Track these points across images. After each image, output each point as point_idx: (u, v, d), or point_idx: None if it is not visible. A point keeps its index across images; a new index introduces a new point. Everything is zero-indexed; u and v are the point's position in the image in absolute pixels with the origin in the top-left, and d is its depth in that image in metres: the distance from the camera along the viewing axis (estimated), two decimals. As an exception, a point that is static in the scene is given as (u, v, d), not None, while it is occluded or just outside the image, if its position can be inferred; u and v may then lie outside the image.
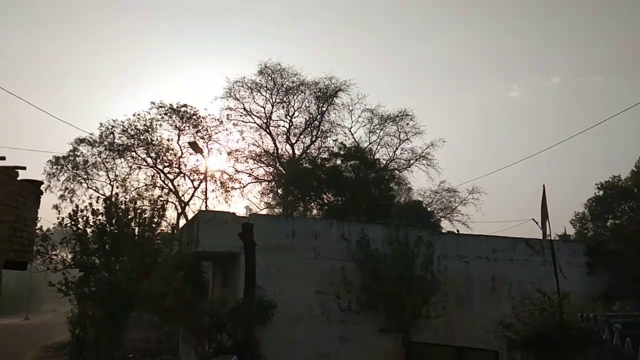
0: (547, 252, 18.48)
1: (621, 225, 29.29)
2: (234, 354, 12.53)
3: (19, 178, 7.95)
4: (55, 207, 31.84)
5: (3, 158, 7.90)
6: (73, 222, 15.16)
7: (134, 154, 32.30)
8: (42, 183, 8.87)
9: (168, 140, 32.45)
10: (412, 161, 32.96)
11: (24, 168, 7.76)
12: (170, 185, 33.32)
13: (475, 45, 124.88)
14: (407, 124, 32.80)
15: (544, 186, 13.69)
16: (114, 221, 15.30)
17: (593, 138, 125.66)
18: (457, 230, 28.72)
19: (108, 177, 32.93)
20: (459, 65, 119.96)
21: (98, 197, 16.96)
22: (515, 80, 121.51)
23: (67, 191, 32.36)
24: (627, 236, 25.65)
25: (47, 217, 16.77)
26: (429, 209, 31.62)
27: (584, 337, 10.89)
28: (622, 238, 25.17)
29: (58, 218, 15.92)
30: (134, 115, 31.96)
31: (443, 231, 26.80)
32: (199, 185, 32.42)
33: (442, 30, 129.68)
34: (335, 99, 32.72)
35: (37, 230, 15.35)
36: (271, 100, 32.84)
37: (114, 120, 31.90)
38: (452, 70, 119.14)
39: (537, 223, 14.29)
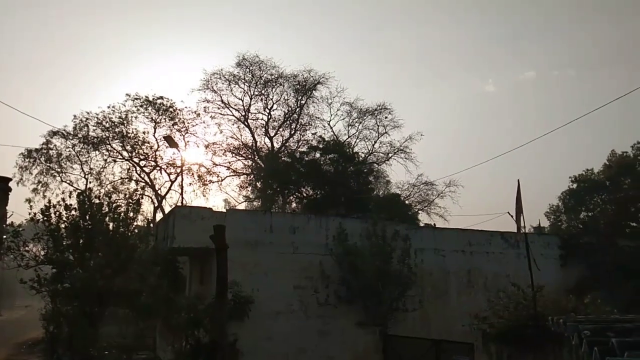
0: (522, 245, 18.74)
1: (594, 218, 29.90)
2: (211, 350, 12.46)
3: (-15, 175, 7.71)
4: (28, 200, 31.08)
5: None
6: (45, 218, 14.78)
7: (109, 146, 31.78)
8: (10, 180, 8.65)
9: (144, 132, 32.02)
10: (390, 154, 33.14)
11: (-10, 165, 7.51)
12: (146, 178, 32.92)
13: (452, 39, 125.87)
14: (386, 117, 32.94)
15: (518, 181, 13.82)
16: (87, 216, 14.97)
17: (568, 132, 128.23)
18: (434, 224, 29.01)
19: (82, 170, 32.37)
20: (436, 58, 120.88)
21: (71, 192, 16.51)
22: (490, 74, 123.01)
23: (41, 185, 31.72)
24: (600, 229, 26.24)
25: (20, 211, 16.29)
26: (406, 202, 31.84)
27: (555, 331, 11.07)
28: (594, 231, 25.71)
29: (30, 213, 15.48)
30: (108, 107, 31.44)
31: (420, 224, 27.05)
32: (175, 178, 32.11)
33: (419, 24, 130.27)
34: (314, 92, 32.65)
35: (8, 226, 14.95)
36: (249, 93, 32.61)
37: (88, 113, 31.36)
38: (429, 64, 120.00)
39: (512, 217, 14.47)
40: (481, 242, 20.27)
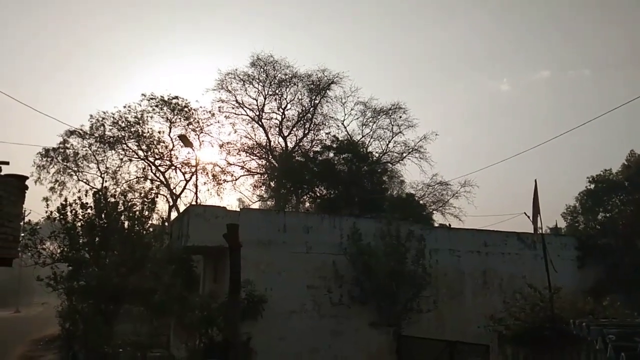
0: (538, 246, 18.49)
1: (612, 219, 29.37)
2: (224, 349, 12.47)
3: (2, 173, 7.79)
4: (45, 199, 31.52)
5: (-15, 153, 7.72)
6: (61, 216, 14.94)
7: (124, 146, 32.04)
8: (26, 178, 8.71)
9: (159, 132, 32.23)
10: (404, 154, 32.93)
11: (7, 163, 7.61)
12: (161, 177, 33.14)
13: (466, 39, 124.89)
14: (400, 117, 32.73)
15: (535, 181, 13.63)
16: (103, 215, 15.10)
17: (585, 132, 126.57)
18: (449, 224, 28.74)
19: (99, 169, 32.68)
20: (450, 58, 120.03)
21: (87, 190, 16.68)
22: (505, 74, 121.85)
23: (58, 183, 32.09)
24: (618, 230, 25.76)
25: (38, 209, 16.55)
26: (421, 202, 31.62)
27: (574, 333, 10.88)
28: (612, 232, 25.26)
29: (46, 211, 15.67)
30: (124, 107, 31.69)
31: (435, 224, 26.82)
32: (190, 178, 32.25)
33: (433, 23, 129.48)
34: (328, 91, 32.56)
35: (25, 224, 15.15)
36: (263, 93, 32.63)
37: (104, 112, 31.64)
38: (443, 63, 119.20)
39: (528, 217, 14.27)
40: (497, 242, 20.03)
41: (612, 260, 20.26)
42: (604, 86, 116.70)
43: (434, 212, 32.90)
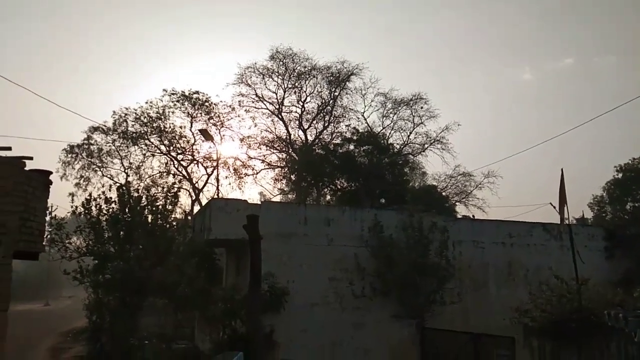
0: (564, 236, 18.14)
1: (640, 209, 28.67)
2: (248, 340, 12.53)
3: (27, 168, 7.89)
4: (71, 195, 32.12)
5: (9, 148, 7.83)
6: (86, 211, 15.16)
7: (147, 141, 32.44)
8: (51, 173, 8.80)
9: (181, 127, 32.52)
10: (426, 145, 32.62)
11: (30, 158, 7.70)
12: (183, 172, 33.46)
13: (486, 27, 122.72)
14: (421, 107, 32.42)
15: (562, 170, 13.37)
16: (127, 209, 15.27)
17: (611, 120, 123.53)
18: (473, 216, 28.42)
19: (122, 164, 33.18)
20: (471, 47, 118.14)
21: (111, 185, 16.89)
22: (527, 62, 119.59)
23: (83, 179, 32.69)
24: (647, 220, 25.10)
25: (65, 205, 16.88)
26: (443, 193, 31.33)
27: (603, 325, 10.64)
28: (641, 222, 24.63)
29: (72, 206, 15.91)
30: (146, 102, 32.07)
31: (458, 216, 26.53)
32: (212, 172, 32.48)
33: (453, 11, 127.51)
34: (347, 83, 32.42)
35: (52, 219, 15.42)
36: (283, 86, 32.65)
37: (126, 108, 32.05)
38: (464, 52, 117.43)
39: (554, 207, 13.98)
40: (522, 233, 19.67)
41: (641, 251, 19.73)
42: (630, 73, 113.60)
43: (457, 203, 32.59)
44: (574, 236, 13.62)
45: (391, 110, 32.89)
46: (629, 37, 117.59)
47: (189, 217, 25.51)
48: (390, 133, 32.77)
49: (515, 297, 15.97)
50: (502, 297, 17.97)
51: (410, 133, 32.88)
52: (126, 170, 32.98)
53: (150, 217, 15.62)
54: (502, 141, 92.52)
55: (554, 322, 11.98)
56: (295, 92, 32.86)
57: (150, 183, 31.28)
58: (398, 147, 31.74)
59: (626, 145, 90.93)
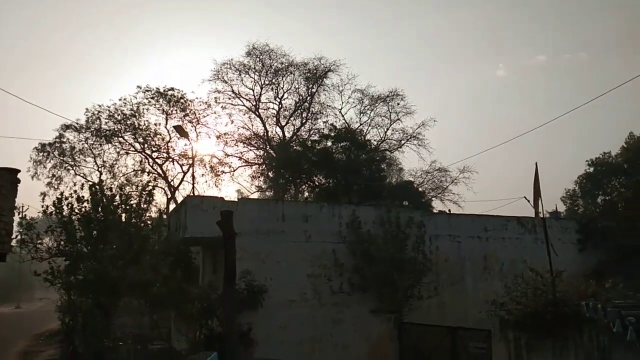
0: (539, 230, 18.43)
1: (611, 202, 29.32)
2: (224, 341, 12.39)
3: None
4: (43, 194, 31.32)
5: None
6: (57, 210, 14.78)
7: (121, 139, 31.76)
8: (18, 171, 8.56)
9: (155, 124, 31.95)
10: (403, 141, 32.73)
11: (-5, 156, 7.42)
12: (159, 170, 32.91)
13: (460, 24, 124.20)
14: (398, 104, 32.48)
15: (536, 164, 13.57)
16: (99, 208, 14.94)
17: (583, 115, 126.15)
18: (449, 210, 28.62)
19: (96, 163, 32.43)
20: (445, 44, 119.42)
21: (83, 184, 16.50)
22: (501, 59, 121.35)
23: (55, 178, 31.81)
24: (618, 212, 25.69)
25: (37, 205, 16.38)
26: (420, 189, 31.48)
27: (577, 316, 10.82)
28: (612, 214, 25.20)
29: (43, 206, 15.49)
30: (120, 99, 31.40)
31: (434, 211, 26.71)
32: (188, 169, 32.01)
33: (428, 8, 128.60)
34: (324, 79, 32.28)
35: (22, 219, 15.00)
36: (260, 82, 32.35)
37: (99, 106, 31.30)
38: (439, 49, 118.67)
39: (528, 201, 14.20)
40: (497, 227, 19.93)
41: (612, 243, 20.18)
42: (601, 69, 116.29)
43: (433, 199, 32.79)
44: (547, 229, 13.84)
45: (368, 106, 32.92)
46: (599, 35, 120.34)
47: (165, 216, 25.15)
48: (367, 129, 32.82)
49: (491, 291, 16.17)
50: (478, 291, 18.19)
51: (387, 129, 32.97)
52: (99, 169, 32.28)
53: (124, 216, 15.32)
54: (477, 137, 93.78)
55: (529, 314, 12.14)
56: (272, 89, 32.62)
57: (125, 181, 30.60)
58: (375, 143, 31.78)
59: (598, 140, 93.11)
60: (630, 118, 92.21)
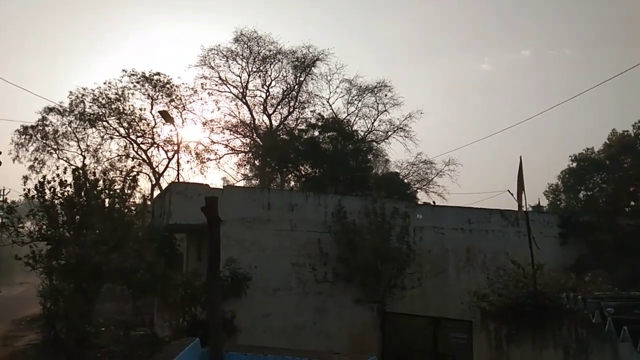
0: (521, 223, 18.65)
1: (593, 197, 29.78)
2: (208, 328, 12.34)
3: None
4: (25, 178, 30.90)
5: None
6: (40, 194, 14.57)
7: (105, 123, 31.45)
8: (-1, 153, 8.36)
9: (141, 109, 31.65)
10: (389, 133, 32.87)
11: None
12: (143, 156, 32.65)
13: (447, 18, 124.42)
14: (386, 95, 32.58)
15: (520, 158, 13.61)
16: (82, 193, 14.76)
17: (567, 111, 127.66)
18: (433, 202, 28.83)
19: (79, 147, 32.13)
20: (432, 37, 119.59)
21: (66, 167, 16.29)
22: (486, 53, 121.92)
23: (37, 162, 31.48)
24: (599, 207, 26.11)
25: (18, 188, 16.18)
26: (405, 180, 31.67)
27: (557, 308, 11.00)
28: (593, 209, 25.60)
29: (24, 189, 15.28)
30: (105, 83, 31.05)
31: (419, 202, 26.88)
32: (173, 156, 31.81)
33: (414, 2, 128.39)
34: (313, 68, 32.22)
35: (3, 203, 14.76)
36: (247, 69, 32.16)
37: (84, 89, 30.94)
38: (425, 41, 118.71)
39: (512, 195, 14.29)
40: (480, 220, 20.11)
41: (593, 238, 20.52)
42: (585, 66, 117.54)
43: (418, 190, 33.03)
44: (530, 222, 13.98)
45: (356, 97, 32.95)
46: (583, 32, 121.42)
47: (149, 202, 24.95)
48: (354, 120, 32.89)
49: (473, 282, 16.32)
50: (461, 282, 18.36)
51: (374, 120, 33.08)
52: (83, 153, 31.97)
53: (107, 201, 15.17)
54: (462, 130, 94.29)
55: (510, 306, 12.31)
56: (259, 76, 32.46)
57: (108, 166, 30.37)
58: (362, 134, 31.86)
59: (581, 135, 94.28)
60: (614, 114, 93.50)
